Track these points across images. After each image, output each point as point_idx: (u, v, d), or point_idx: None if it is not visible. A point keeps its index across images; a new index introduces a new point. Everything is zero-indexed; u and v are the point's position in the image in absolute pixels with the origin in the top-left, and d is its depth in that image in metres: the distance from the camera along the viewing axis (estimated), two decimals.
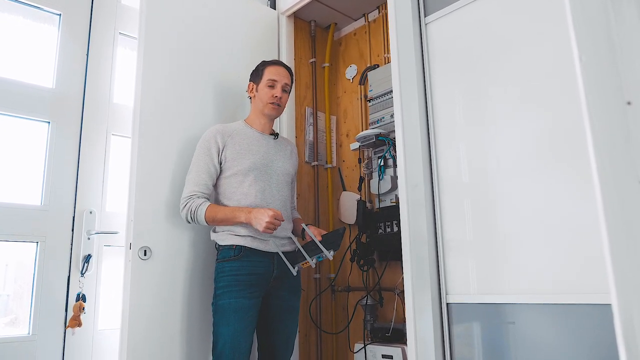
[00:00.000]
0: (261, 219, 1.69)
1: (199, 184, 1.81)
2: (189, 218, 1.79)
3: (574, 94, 1.33)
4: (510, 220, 1.46)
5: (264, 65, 1.98)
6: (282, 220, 1.73)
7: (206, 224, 1.79)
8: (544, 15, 1.44)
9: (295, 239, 1.89)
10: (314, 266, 1.78)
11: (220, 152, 1.84)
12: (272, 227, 1.68)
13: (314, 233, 1.85)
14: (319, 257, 1.72)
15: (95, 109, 2.34)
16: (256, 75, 1.98)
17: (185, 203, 1.80)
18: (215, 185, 1.88)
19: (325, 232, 1.86)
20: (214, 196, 1.90)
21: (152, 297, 1.79)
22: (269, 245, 1.80)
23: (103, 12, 2.44)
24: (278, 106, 1.93)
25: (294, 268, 1.78)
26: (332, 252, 1.71)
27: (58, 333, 2.10)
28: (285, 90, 1.96)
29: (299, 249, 1.81)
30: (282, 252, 1.81)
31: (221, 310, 1.73)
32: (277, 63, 1.99)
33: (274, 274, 1.81)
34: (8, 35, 2.22)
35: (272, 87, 1.92)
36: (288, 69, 1.99)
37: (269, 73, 1.93)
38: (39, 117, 2.20)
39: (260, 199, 1.82)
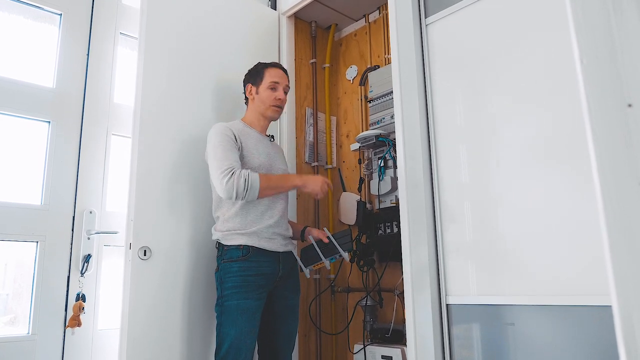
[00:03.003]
0: (316, 181, 1.77)
1: (233, 159, 1.73)
2: (241, 187, 1.66)
3: (575, 96, 1.33)
4: (510, 221, 1.46)
5: (263, 67, 1.97)
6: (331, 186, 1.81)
7: (257, 195, 1.70)
8: (545, 17, 1.44)
9: (314, 241, 1.88)
10: (328, 267, 1.79)
11: (238, 142, 1.82)
12: (325, 189, 1.77)
13: (317, 235, 1.85)
14: (332, 259, 1.73)
15: (95, 109, 2.34)
16: (256, 77, 1.97)
17: (230, 174, 1.67)
18: None
19: (327, 234, 1.87)
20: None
21: (151, 297, 1.79)
22: (275, 245, 1.80)
23: (104, 12, 2.44)
24: (280, 108, 1.95)
25: (307, 269, 1.79)
26: (347, 253, 1.73)
27: (58, 333, 2.10)
28: (286, 92, 1.97)
29: (316, 250, 1.80)
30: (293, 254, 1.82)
31: (228, 311, 1.71)
32: (276, 65, 2.00)
33: (279, 273, 1.81)
34: (8, 35, 2.22)
35: (274, 89, 1.92)
36: (285, 71, 2.01)
37: (270, 75, 1.93)
38: (40, 116, 2.20)
39: (269, 197, 1.82)
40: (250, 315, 1.71)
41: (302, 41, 2.69)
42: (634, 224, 0.69)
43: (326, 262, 1.74)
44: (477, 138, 1.58)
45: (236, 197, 1.68)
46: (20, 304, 2.09)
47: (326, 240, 1.81)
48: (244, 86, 2.01)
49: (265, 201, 1.81)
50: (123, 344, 1.70)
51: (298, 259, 1.80)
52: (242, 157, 1.81)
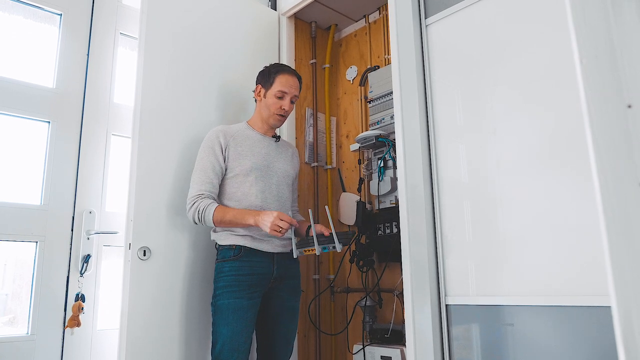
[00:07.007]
0: (267, 220, 1.68)
1: (205, 182, 1.79)
2: (196, 219, 1.76)
3: (574, 96, 1.33)
4: (510, 221, 1.46)
5: (276, 71, 1.91)
6: (290, 223, 1.68)
7: (213, 226, 1.77)
8: (544, 17, 1.44)
9: (292, 233, 1.84)
10: (318, 253, 1.77)
11: (224, 151, 1.84)
12: (277, 228, 1.66)
13: (319, 229, 1.83)
14: (325, 248, 1.72)
15: (95, 109, 2.34)
16: (267, 80, 1.92)
17: (192, 203, 1.77)
18: None
19: (330, 230, 1.85)
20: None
21: (151, 298, 1.79)
22: (270, 246, 1.81)
23: (104, 12, 2.44)
24: (283, 117, 1.92)
25: (297, 250, 1.78)
26: (341, 245, 1.69)
27: (57, 333, 2.09)
28: (293, 101, 1.94)
29: (309, 234, 1.80)
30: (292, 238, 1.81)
31: (220, 310, 1.73)
32: (289, 72, 1.93)
33: (274, 274, 1.81)
34: (9, 35, 2.22)
35: (280, 98, 1.89)
36: (299, 78, 1.96)
37: (279, 83, 1.88)
38: (39, 116, 2.20)
39: (260, 200, 1.83)
40: (242, 315, 1.71)
41: (302, 41, 2.69)
42: (634, 224, 0.69)
43: (317, 248, 1.72)
44: (477, 138, 1.58)
45: (196, 224, 1.80)
46: (19, 304, 2.09)
47: (327, 234, 1.79)
48: (255, 84, 1.98)
49: (259, 203, 1.82)
50: (122, 344, 1.70)
51: (293, 238, 1.79)
52: (229, 161, 1.83)
